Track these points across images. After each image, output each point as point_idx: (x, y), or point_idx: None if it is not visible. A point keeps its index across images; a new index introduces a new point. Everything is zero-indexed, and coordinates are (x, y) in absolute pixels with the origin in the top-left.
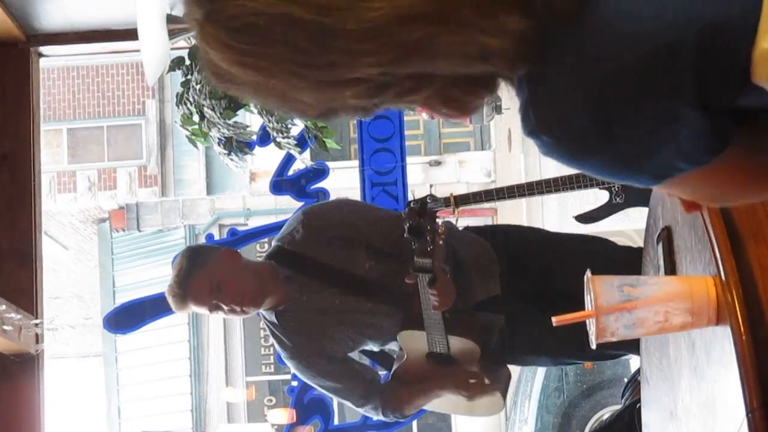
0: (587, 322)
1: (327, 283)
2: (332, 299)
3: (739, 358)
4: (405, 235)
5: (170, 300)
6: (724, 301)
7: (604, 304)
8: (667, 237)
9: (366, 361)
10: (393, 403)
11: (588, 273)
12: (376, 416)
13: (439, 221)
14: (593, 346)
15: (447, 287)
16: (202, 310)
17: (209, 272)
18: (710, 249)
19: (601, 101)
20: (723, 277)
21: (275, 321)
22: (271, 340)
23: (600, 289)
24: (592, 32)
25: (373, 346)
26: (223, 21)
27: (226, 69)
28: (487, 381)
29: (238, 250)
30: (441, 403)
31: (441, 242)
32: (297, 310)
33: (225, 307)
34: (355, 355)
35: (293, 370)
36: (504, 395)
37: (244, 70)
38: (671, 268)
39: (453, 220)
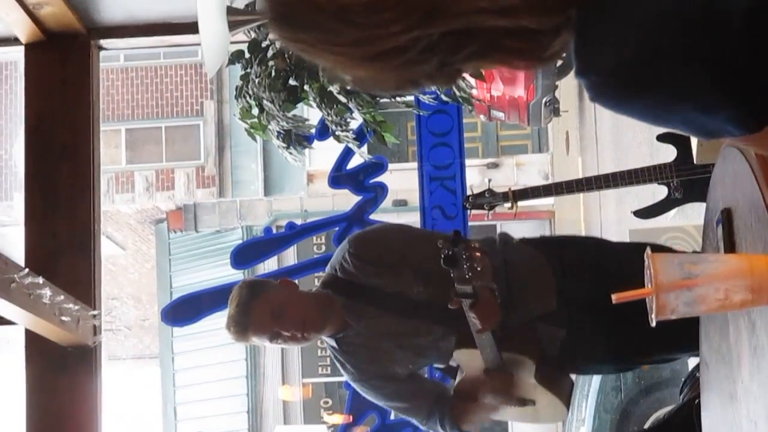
0: (647, 299)
1: (381, 308)
2: (388, 324)
3: None
4: (442, 265)
5: (231, 331)
6: None
7: (664, 281)
8: (726, 218)
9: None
10: (452, 419)
11: (648, 250)
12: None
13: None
14: (653, 324)
15: (489, 310)
16: (262, 340)
17: (270, 299)
18: None
19: (651, 43)
20: None
21: (336, 346)
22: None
23: (660, 266)
24: None
25: (437, 364)
26: (274, 17)
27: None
28: (544, 393)
29: (296, 281)
30: (505, 411)
31: (479, 267)
32: (356, 336)
33: (286, 333)
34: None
35: (359, 391)
36: (567, 403)
37: (308, 56)
38: (731, 249)
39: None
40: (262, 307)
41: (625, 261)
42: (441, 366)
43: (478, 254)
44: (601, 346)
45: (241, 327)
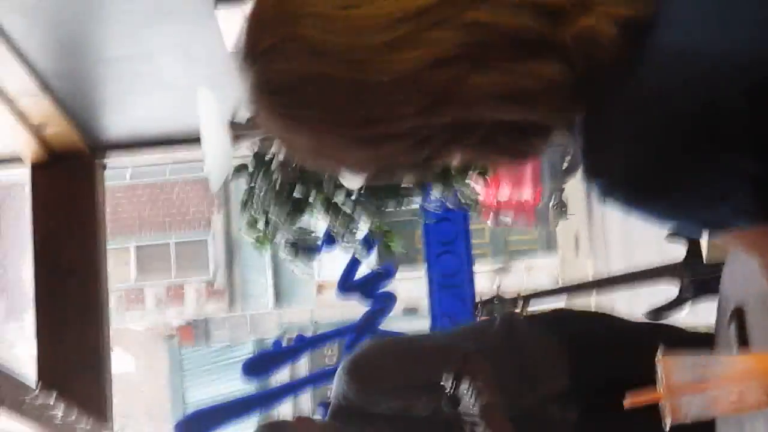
0: (659, 404)
1: (391, 430)
2: None
3: None
4: (443, 406)
5: None
6: None
7: (675, 385)
8: (738, 317)
9: None
10: None
11: (659, 353)
12: None
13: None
14: (666, 430)
15: (498, 427)
16: None
17: None
18: None
19: (658, 146)
20: None
21: None
22: None
23: (671, 369)
24: (650, 72)
25: None
26: (265, 85)
27: (281, 135)
28: None
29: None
30: None
31: (484, 402)
32: None
33: None
34: None
35: None
36: None
37: (291, 134)
38: (744, 348)
39: None
40: None
41: (636, 342)
42: None
43: (481, 384)
44: (614, 429)
45: None
